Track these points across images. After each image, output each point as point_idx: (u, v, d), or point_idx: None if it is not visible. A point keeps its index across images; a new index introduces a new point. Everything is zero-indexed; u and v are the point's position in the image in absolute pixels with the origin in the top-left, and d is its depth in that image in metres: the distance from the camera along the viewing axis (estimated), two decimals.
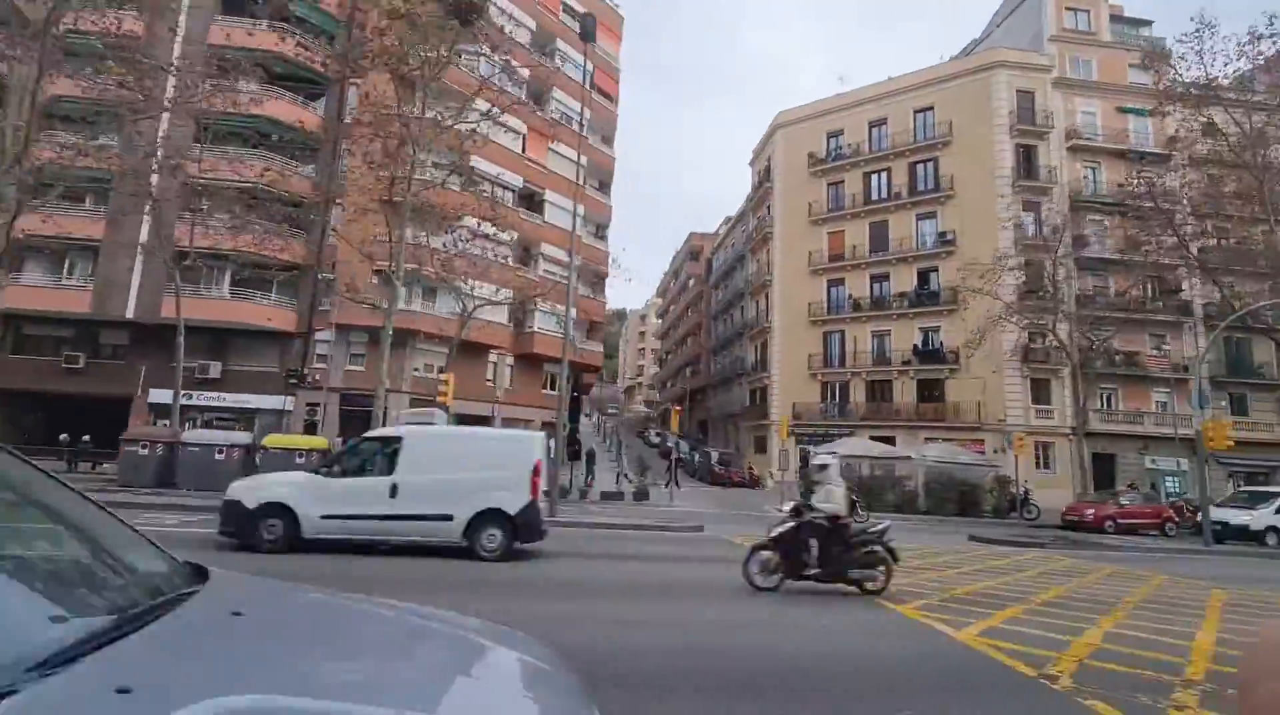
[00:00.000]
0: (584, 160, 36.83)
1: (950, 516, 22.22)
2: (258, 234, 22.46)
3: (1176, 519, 21.03)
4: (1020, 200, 33.14)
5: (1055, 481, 30.52)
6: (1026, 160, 33.81)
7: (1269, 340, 33.44)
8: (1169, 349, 32.96)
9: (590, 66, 37.48)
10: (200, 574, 1.87)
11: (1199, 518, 22.98)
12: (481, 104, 21.32)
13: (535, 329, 32.91)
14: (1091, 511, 20.77)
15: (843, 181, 38.06)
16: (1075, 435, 31.45)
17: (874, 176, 37.12)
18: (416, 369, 29.03)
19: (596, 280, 38.59)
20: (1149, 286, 33.51)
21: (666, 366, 77.27)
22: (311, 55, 21.78)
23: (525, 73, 33.68)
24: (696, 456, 41.53)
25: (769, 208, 41.96)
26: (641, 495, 21.69)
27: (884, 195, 36.39)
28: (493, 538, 9.26)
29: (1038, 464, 31.15)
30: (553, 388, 35.55)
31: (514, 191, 32.25)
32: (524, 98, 33.45)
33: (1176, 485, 32.16)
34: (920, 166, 35.67)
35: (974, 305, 28.90)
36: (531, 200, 33.91)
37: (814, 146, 39.34)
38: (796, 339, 38.22)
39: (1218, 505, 21.22)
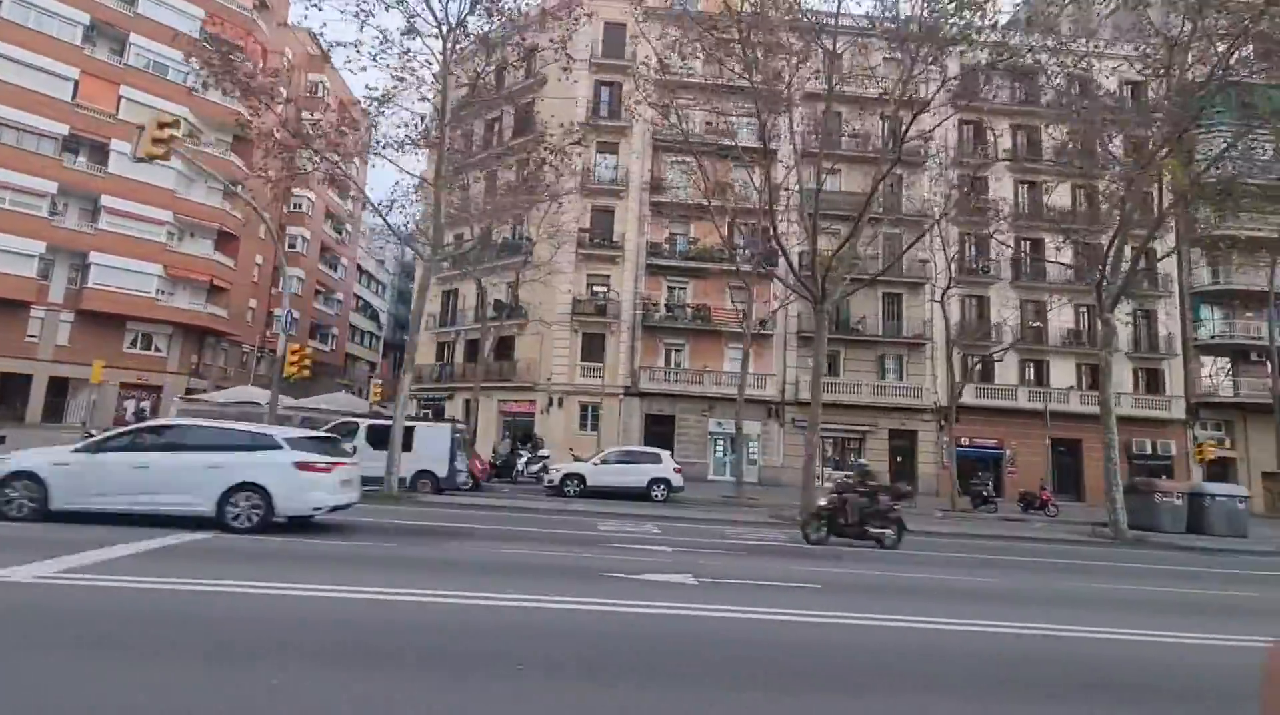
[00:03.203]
0: (186, 111, 35.35)
1: None
2: None
3: (477, 476, 18.79)
4: (595, 142, 30.65)
5: (600, 441, 28.20)
6: (610, 99, 31.22)
7: (873, 292, 30.58)
8: (744, 304, 30.09)
9: (201, 11, 35.84)
10: None
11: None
12: None
13: (93, 284, 31.55)
14: None
15: (472, 131, 35.82)
16: (626, 395, 29.26)
17: (494, 124, 34.87)
18: None
19: (220, 238, 37.12)
20: (735, 233, 30.81)
21: None
22: None
23: (83, 16, 32.23)
24: None
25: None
26: None
27: (495, 143, 34.13)
28: None
29: (584, 424, 28.90)
30: (145, 348, 34.42)
31: (56, 139, 30.83)
32: (79, 42, 32.04)
33: (758, 449, 29.60)
34: (524, 110, 33.37)
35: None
36: (103, 150, 32.46)
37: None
38: (430, 298, 36.33)
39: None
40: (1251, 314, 31.09)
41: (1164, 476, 28.50)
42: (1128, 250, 17.71)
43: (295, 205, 45.29)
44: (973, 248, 30.96)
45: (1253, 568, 12.46)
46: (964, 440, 30.21)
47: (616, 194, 30.14)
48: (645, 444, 28.82)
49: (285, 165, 16.51)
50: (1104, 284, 16.39)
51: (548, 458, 22.16)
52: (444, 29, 15.35)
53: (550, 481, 18.66)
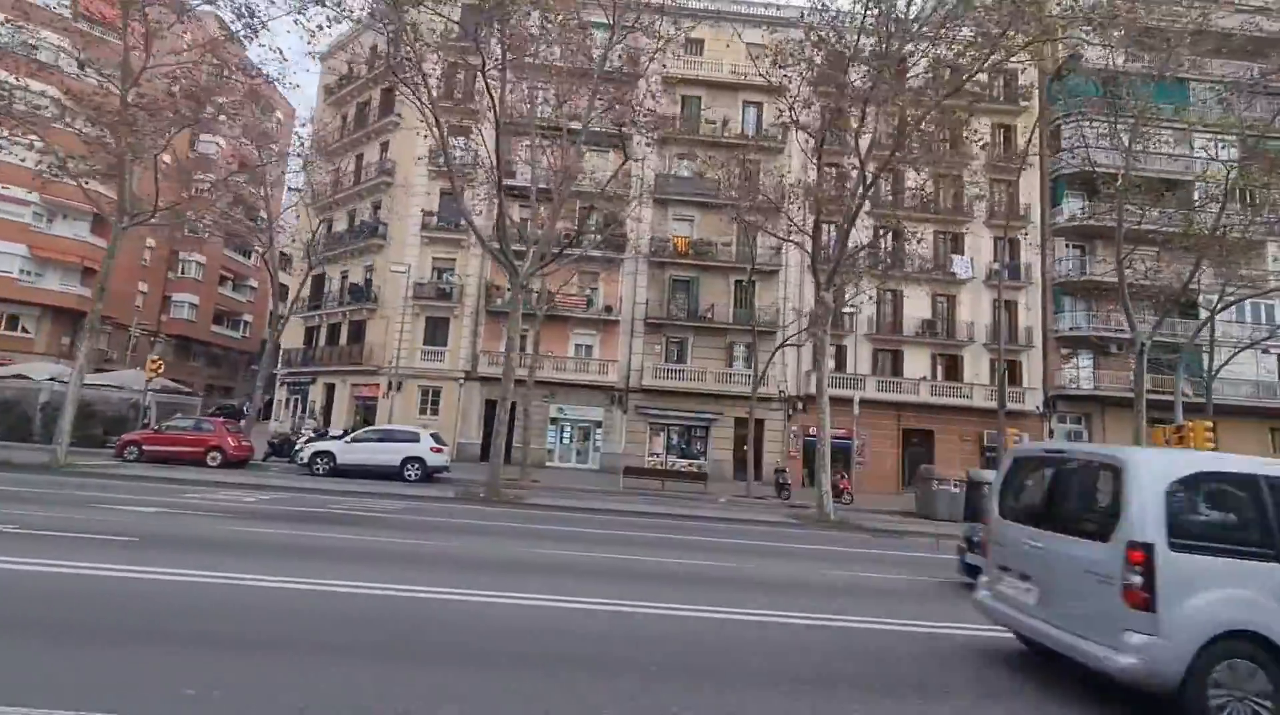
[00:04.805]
0: (55, 91, 35.02)
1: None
2: None
3: (227, 452, 18.53)
4: (447, 124, 30.40)
5: (437, 427, 28.01)
6: (465, 81, 30.96)
7: (724, 279, 30.34)
8: (594, 290, 29.85)
9: None
10: None
11: None
12: None
13: None
14: (126, 437, 18.83)
15: (347, 114, 35.72)
16: (466, 379, 29.06)
17: (366, 106, 34.76)
18: None
19: (96, 221, 36.98)
20: (583, 219, 30.56)
21: None
22: None
23: None
24: None
25: None
26: None
27: (367, 124, 34.14)
28: None
29: (424, 409, 28.71)
30: (11, 329, 34.39)
31: None
32: None
33: (601, 436, 29.38)
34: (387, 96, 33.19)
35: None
36: None
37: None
38: (297, 282, 36.22)
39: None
40: (1114, 306, 30.71)
41: None
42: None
43: (196, 189, 45.00)
44: (830, 234, 30.63)
45: (861, 547, 12.14)
46: (812, 430, 29.99)
47: (466, 177, 29.85)
48: (485, 428, 28.68)
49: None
50: (816, 263, 16.11)
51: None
52: None
53: (302, 460, 18.45)
